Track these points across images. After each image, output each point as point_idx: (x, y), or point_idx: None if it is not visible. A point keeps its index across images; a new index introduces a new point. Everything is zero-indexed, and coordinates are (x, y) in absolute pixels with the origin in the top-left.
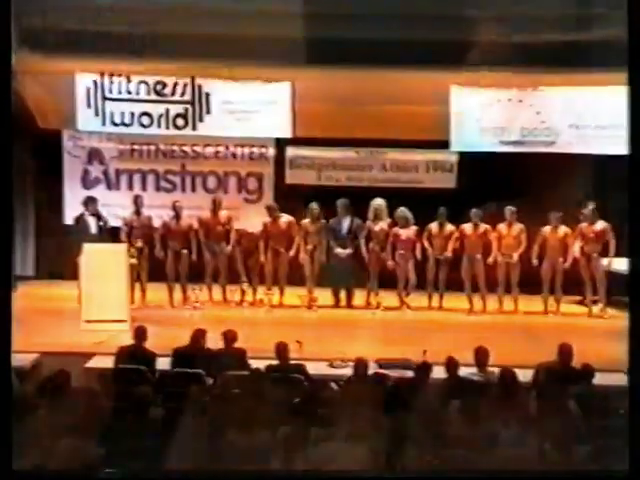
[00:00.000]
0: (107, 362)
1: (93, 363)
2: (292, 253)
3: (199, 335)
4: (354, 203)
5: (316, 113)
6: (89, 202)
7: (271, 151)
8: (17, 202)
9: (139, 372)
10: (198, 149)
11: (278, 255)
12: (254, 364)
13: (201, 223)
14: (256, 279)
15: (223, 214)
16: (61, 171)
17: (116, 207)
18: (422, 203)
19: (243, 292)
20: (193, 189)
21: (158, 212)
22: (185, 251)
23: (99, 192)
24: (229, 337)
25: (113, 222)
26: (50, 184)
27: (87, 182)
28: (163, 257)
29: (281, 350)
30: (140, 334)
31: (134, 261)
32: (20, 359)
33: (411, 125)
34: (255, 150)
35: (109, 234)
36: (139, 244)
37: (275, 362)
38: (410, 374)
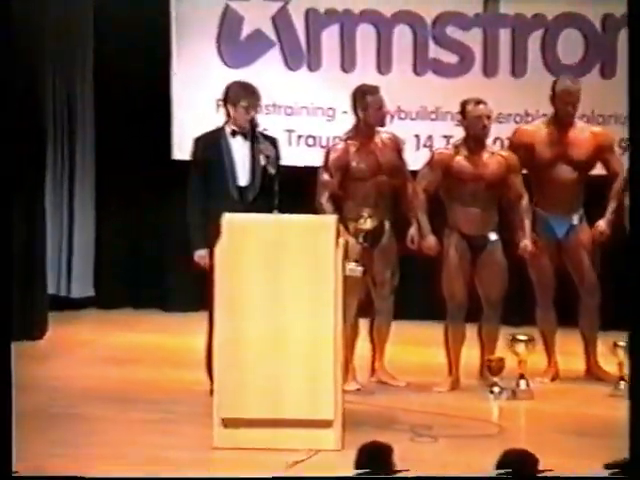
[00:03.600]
0: None
1: None
2: None
3: (524, 460)
4: None
5: None
6: (239, 97)
7: None
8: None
9: None
10: None
11: None
12: None
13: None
14: None
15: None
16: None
17: (307, 116)
18: None
19: None
20: (514, 69)
21: (422, 129)
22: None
23: (264, 74)
24: None
25: (299, 157)
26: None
27: (233, 47)
28: (442, 252)
29: None
30: (372, 458)
31: (356, 269)
32: None
33: None
34: None
35: (284, 187)
36: (368, 223)
37: None
38: None
